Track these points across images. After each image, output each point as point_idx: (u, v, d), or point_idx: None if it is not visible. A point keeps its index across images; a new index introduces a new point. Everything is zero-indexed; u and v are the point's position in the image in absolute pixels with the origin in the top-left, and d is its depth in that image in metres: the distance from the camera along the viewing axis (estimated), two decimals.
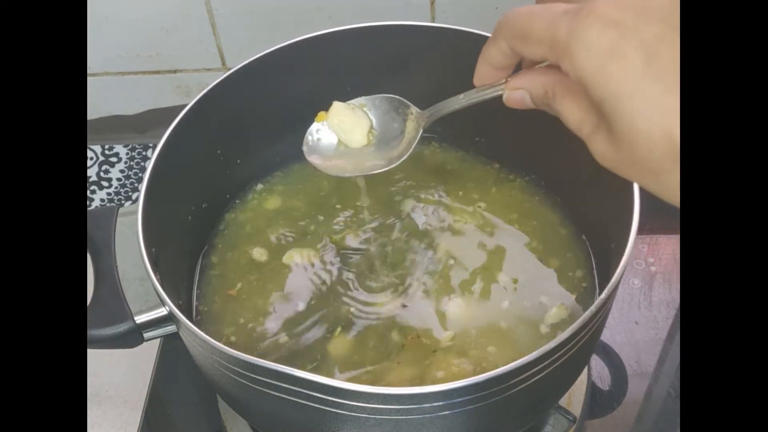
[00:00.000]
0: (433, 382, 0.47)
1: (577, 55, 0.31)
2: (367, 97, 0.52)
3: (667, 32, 0.30)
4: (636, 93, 0.30)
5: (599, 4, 0.31)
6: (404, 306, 0.56)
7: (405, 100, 0.50)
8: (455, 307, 0.56)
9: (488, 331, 0.54)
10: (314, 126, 0.52)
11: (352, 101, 0.52)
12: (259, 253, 0.61)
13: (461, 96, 0.44)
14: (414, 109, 0.49)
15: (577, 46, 0.31)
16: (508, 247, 0.60)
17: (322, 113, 0.52)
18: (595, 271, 0.58)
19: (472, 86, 0.42)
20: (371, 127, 0.51)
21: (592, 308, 0.44)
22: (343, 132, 0.51)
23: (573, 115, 0.35)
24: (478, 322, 0.55)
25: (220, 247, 0.63)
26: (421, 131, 0.48)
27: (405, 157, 0.48)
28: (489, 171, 0.66)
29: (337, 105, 0.51)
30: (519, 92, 0.38)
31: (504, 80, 0.39)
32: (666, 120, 0.30)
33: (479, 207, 0.63)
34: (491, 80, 0.40)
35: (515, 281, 0.57)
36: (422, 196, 0.64)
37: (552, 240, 0.60)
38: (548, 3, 0.35)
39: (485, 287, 0.57)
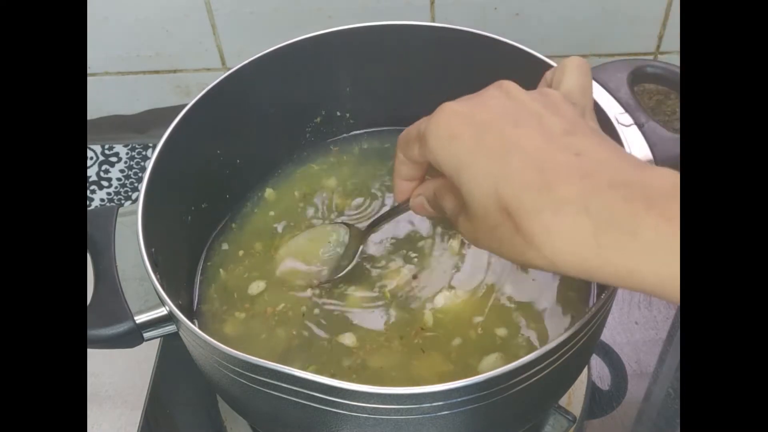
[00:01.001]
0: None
1: (429, 141, 0.40)
2: (313, 228, 0.61)
3: (496, 119, 0.38)
4: (470, 164, 0.37)
5: (447, 104, 0.40)
6: (414, 277, 0.57)
7: (345, 225, 0.59)
8: (443, 297, 0.56)
9: (459, 329, 0.54)
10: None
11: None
12: (257, 285, 0.60)
13: (388, 210, 0.55)
14: (354, 229, 0.58)
15: (429, 135, 0.40)
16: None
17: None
18: None
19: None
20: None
21: (592, 308, 0.44)
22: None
23: (448, 206, 0.42)
24: (458, 317, 0.55)
25: (221, 247, 0.63)
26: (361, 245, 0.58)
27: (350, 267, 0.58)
28: None
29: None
30: (419, 198, 0.46)
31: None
32: (490, 181, 0.36)
33: None
34: (408, 194, 0.47)
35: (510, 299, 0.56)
36: None
37: None
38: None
39: (472, 290, 0.56)
